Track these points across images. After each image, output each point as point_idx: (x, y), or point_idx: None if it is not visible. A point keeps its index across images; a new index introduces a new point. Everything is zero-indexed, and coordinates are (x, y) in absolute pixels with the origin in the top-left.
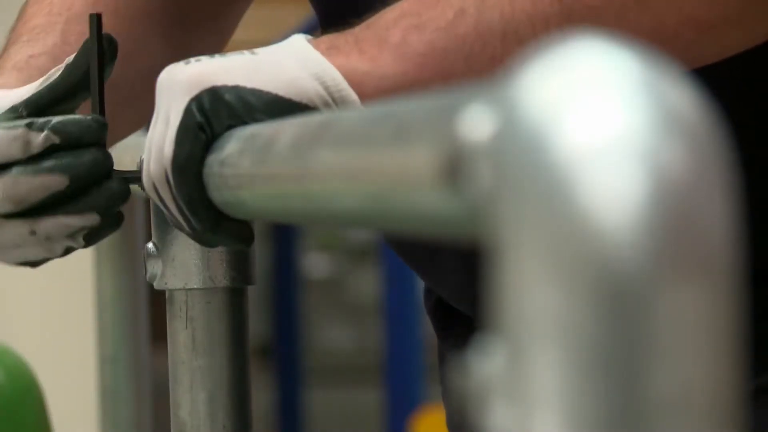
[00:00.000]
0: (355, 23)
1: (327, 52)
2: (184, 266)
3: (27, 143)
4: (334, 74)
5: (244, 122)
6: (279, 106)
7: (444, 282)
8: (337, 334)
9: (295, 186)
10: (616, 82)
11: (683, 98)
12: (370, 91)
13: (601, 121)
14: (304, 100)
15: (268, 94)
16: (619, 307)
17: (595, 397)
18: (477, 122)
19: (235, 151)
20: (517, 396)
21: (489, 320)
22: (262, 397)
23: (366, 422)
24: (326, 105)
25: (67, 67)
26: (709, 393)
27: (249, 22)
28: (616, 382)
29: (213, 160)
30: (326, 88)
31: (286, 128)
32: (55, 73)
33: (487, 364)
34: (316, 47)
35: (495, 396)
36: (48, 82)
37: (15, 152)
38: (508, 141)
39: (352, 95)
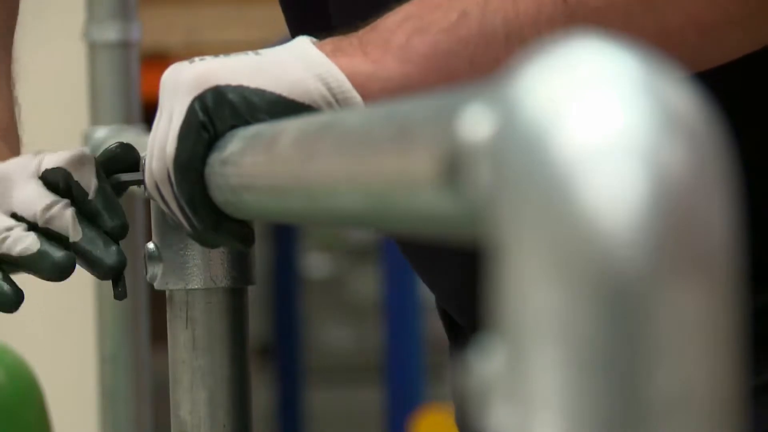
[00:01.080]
0: (359, 26)
1: (331, 54)
2: (185, 266)
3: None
4: (338, 76)
5: (247, 122)
6: (282, 107)
7: (438, 284)
8: (337, 334)
9: (296, 186)
10: (615, 82)
11: (683, 98)
12: (374, 93)
13: (600, 120)
14: (308, 101)
15: (271, 94)
16: (619, 307)
17: (595, 397)
18: (477, 122)
19: (237, 150)
20: (517, 396)
21: (489, 320)
22: (262, 397)
23: (366, 422)
24: (330, 106)
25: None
26: (709, 393)
27: (249, 22)
28: (616, 382)
29: (215, 160)
30: (330, 90)
31: (288, 128)
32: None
33: (487, 364)
34: (321, 49)
35: (495, 396)
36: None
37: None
38: (508, 141)
39: (356, 97)
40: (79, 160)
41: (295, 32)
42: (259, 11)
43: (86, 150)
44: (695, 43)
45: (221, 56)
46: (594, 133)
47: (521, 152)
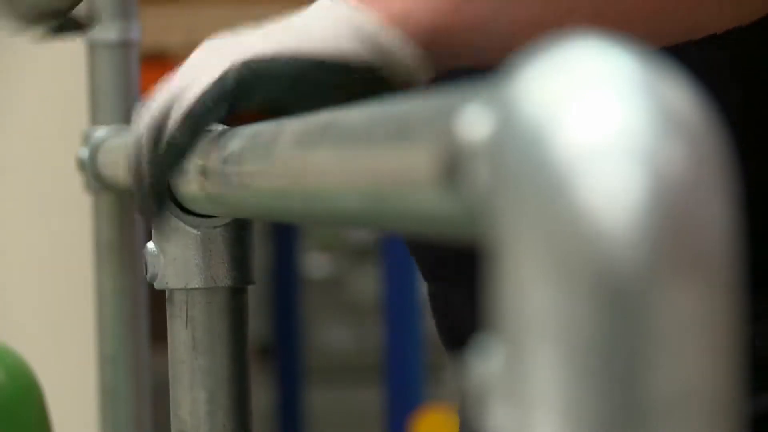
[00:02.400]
0: None
1: (358, 6)
2: (185, 266)
3: None
4: (371, 25)
5: (282, 92)
6: (321, 69)
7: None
8: (337, 334)
9: (296, 185)
10: (614, 82)
11: (681, 97)
12: (411, 29)
13: (599, 120)
14: (346, 57)
15: (307, 59)
16: (618, 306)
17: (594, 397)
18: (475, 122)
19: (237, 149)
20: (517, 396)
21: (489, 320)
22: (262, 397)
23: (366, 422)
24: (371, 55)
25: None
26: (709, 393)
27: (249, 22)
28: (616, 382)
29: (216, 158)
30: (367, 39)
31: (288, 128)
32: None
33: (486, 364)
34: (347, 2)
35: (495, 396)
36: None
37: None
38: (507, 140)
39: (395, 40)
40: None
41: None
42: (259, 11)
43: None
44: (669, 11)
45: (251, 28)
46: (593, 132)
47: (520, 152)
